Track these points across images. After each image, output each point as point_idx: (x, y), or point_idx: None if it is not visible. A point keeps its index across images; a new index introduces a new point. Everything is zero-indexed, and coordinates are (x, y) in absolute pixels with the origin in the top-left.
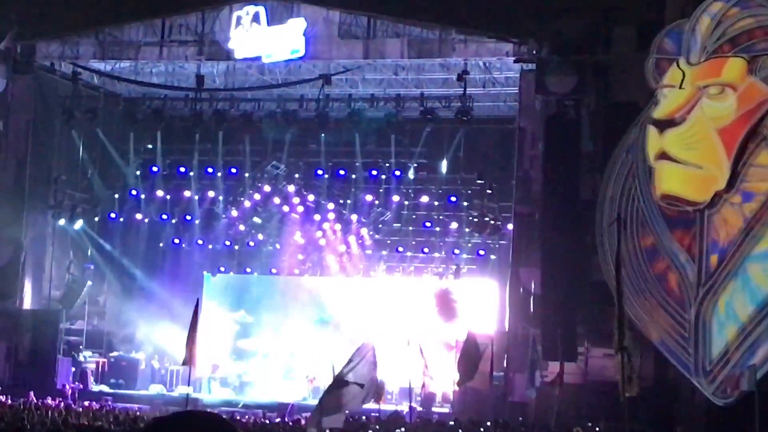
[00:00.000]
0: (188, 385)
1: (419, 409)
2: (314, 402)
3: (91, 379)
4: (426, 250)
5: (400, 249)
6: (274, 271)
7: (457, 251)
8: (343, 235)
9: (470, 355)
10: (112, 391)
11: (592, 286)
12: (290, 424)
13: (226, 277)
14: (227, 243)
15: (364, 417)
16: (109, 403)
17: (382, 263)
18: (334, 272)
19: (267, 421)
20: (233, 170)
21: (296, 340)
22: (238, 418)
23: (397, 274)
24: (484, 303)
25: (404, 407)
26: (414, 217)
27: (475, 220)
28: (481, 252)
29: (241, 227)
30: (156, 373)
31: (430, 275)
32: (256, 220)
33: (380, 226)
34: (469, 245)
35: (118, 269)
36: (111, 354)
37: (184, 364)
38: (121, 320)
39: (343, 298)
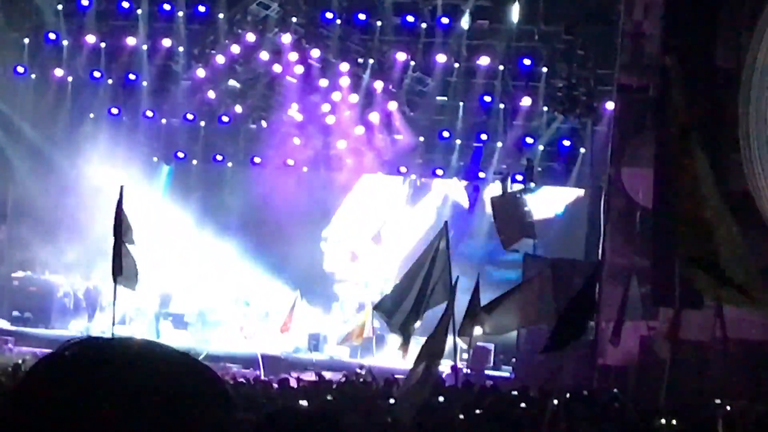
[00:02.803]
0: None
1: (466, 371)
2: (312, 355)
3: None
4: (484, 137)
5: (446, 134)
6: (257, 160)
7: (529, 140)
8: (361, 110)
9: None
10: (13, 328)
11: (733, 198)
12: (275, 386)
13: (187, 167)
14: (189, 117)
15: (382, 381)
16: (10, 345)
17: (418, 155)
18: (346, 166)
19: (242, 380)
20: (201, 9)
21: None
22: None
23: (439, 171)
24: (567, 217)
25: (445, 368)
26: (468, 87)
27: (559, 94)
28: (566, 142)
29: (211, 94)
30: (78, 305)
31: (489, 175)
32: (233, 84)
33: (417, 99)
34: (549, 132)
35: (25, 149)
36: (14, 275)
37: (115, 280)
38: (28, 225)
39: (357, 204)
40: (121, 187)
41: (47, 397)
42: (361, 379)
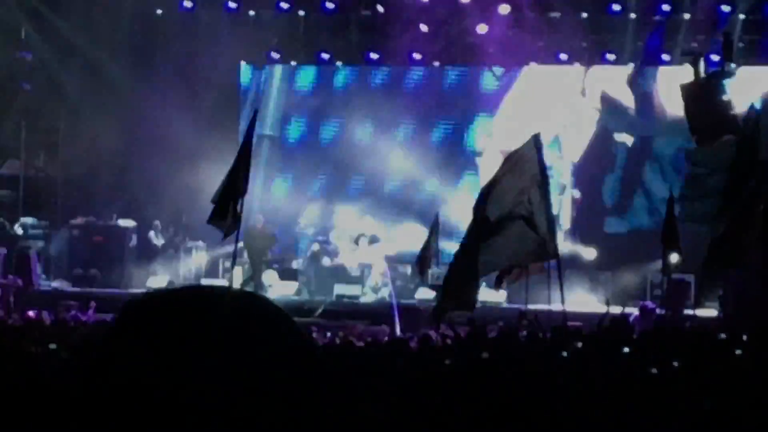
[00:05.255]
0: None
1: (659, 311)
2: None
3: (37, 266)
4: (666, 7)
5: (616, 8)
6: (373, 56)
7: (726, 8)
8: None
9: None
10: (77, 289)
11: None
12: (413, 345)
13: (286, 71)
14: (284, 6)
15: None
16: (74, 311)
17: (582, 36)
18: (490, 59)
19: (370, 340)
20: None
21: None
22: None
23: (610, 56)
24: None
25: (632, 309)
26: None
27: None
28: None
29: None
30: (159, 255)
31: (676, 56)
32: None
33: None
34: None
35: (76, 64)
36: (74, 222)
37: (226, 234)
38: (88, 156)
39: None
40: (255, 111)
41: (144, 335)
42: (523, 331)
